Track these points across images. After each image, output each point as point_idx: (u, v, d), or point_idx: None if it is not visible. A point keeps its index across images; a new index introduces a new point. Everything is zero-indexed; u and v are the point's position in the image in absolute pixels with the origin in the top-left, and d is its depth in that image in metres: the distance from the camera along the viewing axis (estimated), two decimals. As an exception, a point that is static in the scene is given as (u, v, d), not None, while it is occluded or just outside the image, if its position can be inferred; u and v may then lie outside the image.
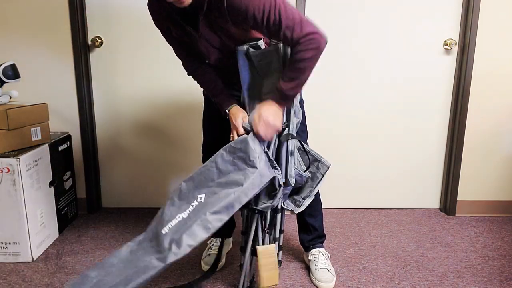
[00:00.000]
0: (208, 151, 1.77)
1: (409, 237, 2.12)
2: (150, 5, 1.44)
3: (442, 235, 2.15)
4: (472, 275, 1.78)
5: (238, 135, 1.44)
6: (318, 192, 1.72)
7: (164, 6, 1.35)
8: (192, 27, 1.36)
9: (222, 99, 1.52)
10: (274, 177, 1.37)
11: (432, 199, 2.48)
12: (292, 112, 1.47)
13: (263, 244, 1.52)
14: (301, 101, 1.62)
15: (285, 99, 1.38)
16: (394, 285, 1.69)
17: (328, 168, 1.60)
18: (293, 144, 1.47)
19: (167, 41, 1.51)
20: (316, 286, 1.68)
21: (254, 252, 1.54)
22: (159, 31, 1.48)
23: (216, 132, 1.72)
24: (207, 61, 1.53)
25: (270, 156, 1.39)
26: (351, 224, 2.27)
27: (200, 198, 1.33)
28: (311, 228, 1.77)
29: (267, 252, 1.47)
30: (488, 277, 1.76)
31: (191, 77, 1.58)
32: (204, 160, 1.80)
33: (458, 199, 2.39)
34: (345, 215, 2.38)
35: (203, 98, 1.76)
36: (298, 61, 1.29)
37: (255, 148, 1.33)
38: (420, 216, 2.37)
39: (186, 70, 1.57)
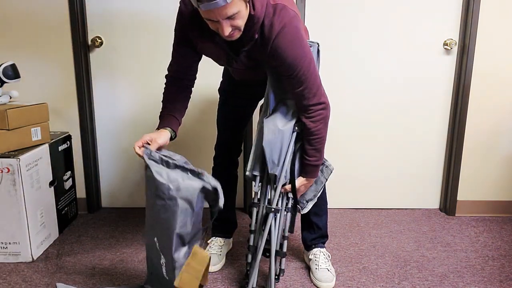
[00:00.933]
0: (222, 149, 1.81)
1: (409, 237, 2.12)
2: (185, 17, 1.41)
3: (442, 235, 2.15)
4: (472, 275, 1.78)
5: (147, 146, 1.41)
6: (325, 192, 1.73)
7: (204, 26, 1.35)
8: (233, 52, 1.43)
9: (164, 119, 1.50)
10: (212, 186, 1.32)
11: (432, 199, 2.48)
12: None
13: (269, 244, 1.52)
14: None
15: (315, 170, 1.53)
16: (394, 285, 1.69)
17: (331, 172, 1.62)
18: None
19: (176, 47, 1.51)
20: (316, 286, 1.68)
21: (264, 252, 1.53)
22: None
23: (231, 130, 1.77)
24: (231, 73, 1.63)
25: (190, 167, 1.34)
26: (351, 224, 2.27)
27: (156, 240, 1.42)
28: (315, 227, 1.77)
29: (200, 257, 1.37)
30: (488, 277, 1.76)
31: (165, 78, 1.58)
32: (216, 158, 1.83)
33: (458, 199, 2.39)
34: (345, 215, 2.38)
35: (219, 95, 1.79)
36: (312, 134, 1.45)
37: (162, 177, 1.32)
38: (420, 216, 2.37)
39: (168, 71, 1.57)
